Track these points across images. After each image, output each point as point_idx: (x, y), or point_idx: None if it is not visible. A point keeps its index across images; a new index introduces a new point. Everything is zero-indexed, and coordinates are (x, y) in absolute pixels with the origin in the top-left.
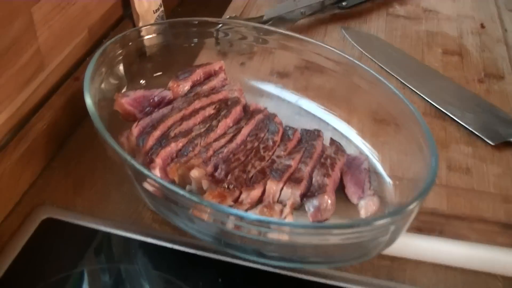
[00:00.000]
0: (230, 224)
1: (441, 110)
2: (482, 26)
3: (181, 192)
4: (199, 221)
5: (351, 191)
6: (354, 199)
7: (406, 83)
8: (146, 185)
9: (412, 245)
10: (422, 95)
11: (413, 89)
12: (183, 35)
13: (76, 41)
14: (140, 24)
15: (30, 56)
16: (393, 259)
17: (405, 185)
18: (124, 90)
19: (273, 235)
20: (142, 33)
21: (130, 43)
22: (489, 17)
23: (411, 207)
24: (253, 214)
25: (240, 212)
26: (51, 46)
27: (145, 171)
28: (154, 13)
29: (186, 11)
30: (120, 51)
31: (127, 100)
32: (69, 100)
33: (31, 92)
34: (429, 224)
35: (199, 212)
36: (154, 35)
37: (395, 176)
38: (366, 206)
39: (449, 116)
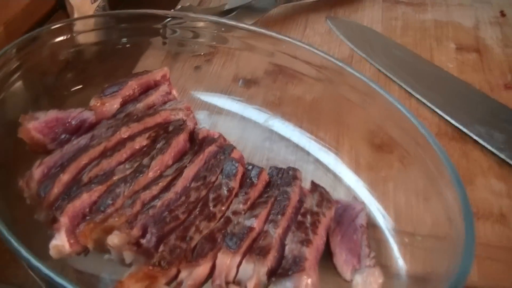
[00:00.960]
0: None
1: (460, 129)
2: (502, 14)
3: None
4: None
5: (342, 260)
6: (346, 273)
7: (411, 91)
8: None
9: None
10: (433, 107)
11: (422, 99)
12: (117, 33)
13: None
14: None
15: None
16: None
17: (418, 244)
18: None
19: None
20: (63, 32)
21: (44, 46)
22: (509, 3)
23: None
24: None
25: None
26: None
27: (23, 253)
28: (92, 3)
29: (138, 2)
30: (28, 59)
31: (35, 125)
32: None
33: None
34: None
35: None
36: (80, 35)
37: (404, 232)
38: (364, 284)
39: (471, 137)
